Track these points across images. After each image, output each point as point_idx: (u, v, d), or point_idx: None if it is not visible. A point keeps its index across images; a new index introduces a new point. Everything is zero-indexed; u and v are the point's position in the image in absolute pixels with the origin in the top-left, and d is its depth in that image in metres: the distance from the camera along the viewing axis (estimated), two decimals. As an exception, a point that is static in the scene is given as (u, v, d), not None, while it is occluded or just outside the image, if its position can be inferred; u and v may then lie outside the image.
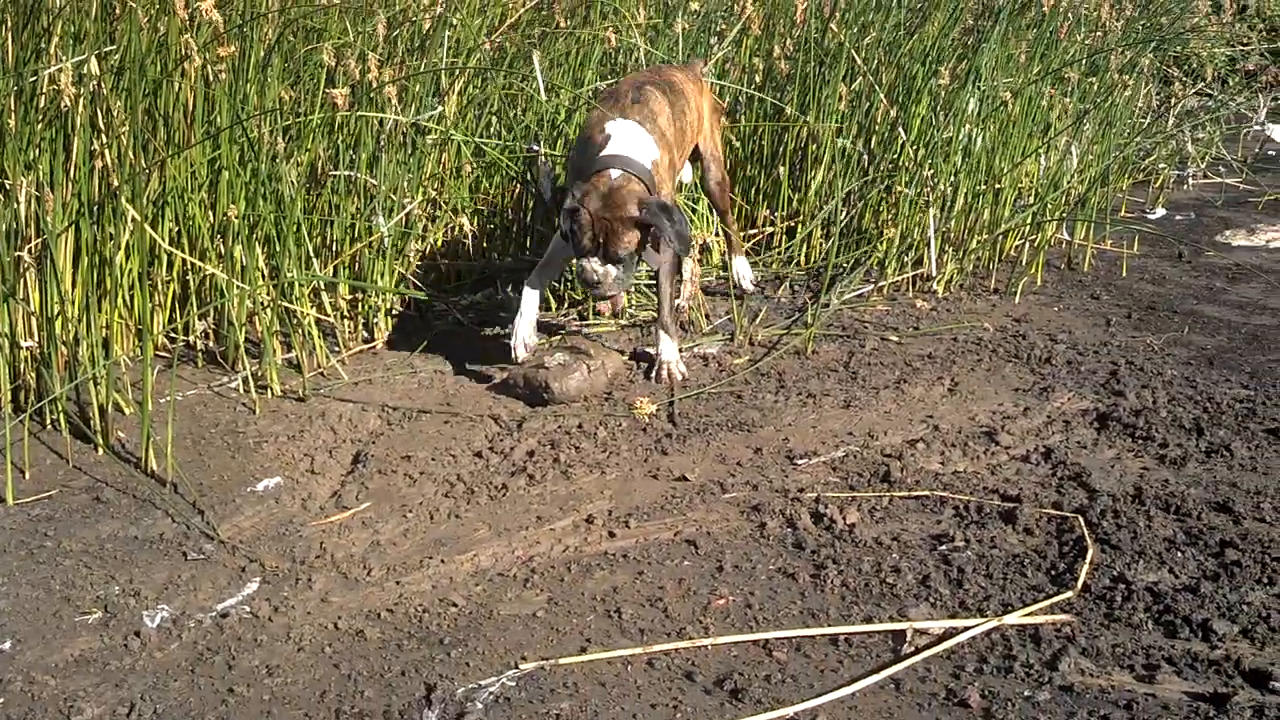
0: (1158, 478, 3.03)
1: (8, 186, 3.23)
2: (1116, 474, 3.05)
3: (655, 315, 3.80)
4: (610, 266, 3.44)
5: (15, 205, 3.24)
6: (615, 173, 3.42)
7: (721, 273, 4.57)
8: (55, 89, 3.25)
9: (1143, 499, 2.91)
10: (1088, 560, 2.61)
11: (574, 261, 3.54)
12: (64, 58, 3.23)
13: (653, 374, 3.68)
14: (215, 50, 3.38)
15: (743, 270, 4.38)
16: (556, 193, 4.23)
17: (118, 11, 3.43)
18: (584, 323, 4.15)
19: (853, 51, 4.62)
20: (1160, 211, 5.80)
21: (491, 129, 4.41)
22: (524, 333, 3.61)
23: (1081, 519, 2.79)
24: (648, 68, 4.28)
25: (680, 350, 3.76)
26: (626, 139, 3.51)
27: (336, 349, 3.80)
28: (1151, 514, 2.83)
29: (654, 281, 3.88)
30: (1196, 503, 2.88)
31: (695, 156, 4.13)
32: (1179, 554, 2.65)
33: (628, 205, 3.39)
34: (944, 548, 2.69)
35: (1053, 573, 2.60)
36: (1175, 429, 3.31)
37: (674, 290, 3.76)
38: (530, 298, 3.65)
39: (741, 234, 4.81)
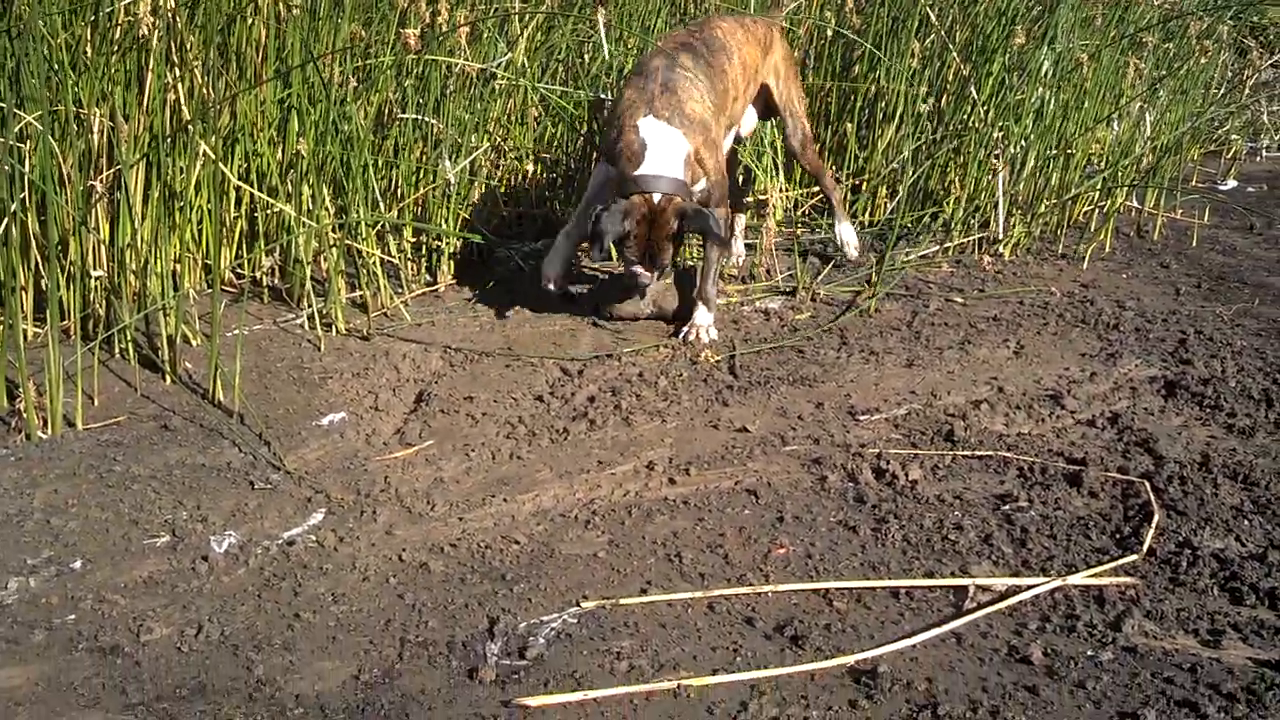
0: (1225, 446, 2.99)
1: (82, 117, 3.26)
2: (1184, 441, 3.02)
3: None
4: (656, 270, 3.61)
5: (89, 135, 3.27)
6: (657, 196, 3.48)
7: (808, 232, 4.54)
8: (130, 20, 3.27)
9: (1210, 467, 2.87)
10: (1153, 525, 2.59)
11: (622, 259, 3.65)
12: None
13: (681, 335, 3.66)
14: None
15: (847, 237, 4.28)
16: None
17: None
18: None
19: (927, 8, 4.56)
20: (1232, 183, 5.71)
21: (558, 76, 4.40)
22: (549, 270, 3.74)
23: (1148, 484, 2.76)
24: (693, 22, 4.19)
25: (721, 310, 3.78)
26: (660, 150, 3.51)
27: (400, 290, 3.82)
28: (1219, 482, 2.80)
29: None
30: (1265, 472, 2.84)
31: (770, 111, 4.09)
32: (1246, 522, 2.62)
33: (670, 223, 3.49)
34: (1007, 507, 2.68)
35: (1117, 536, 2.57)
36: (1244, 399, 3.27)
37: (719, 262, 3.77)
38: (562, 239, 3.76)
39: (805, 192, 4.77)
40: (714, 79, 3.70)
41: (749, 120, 4.11)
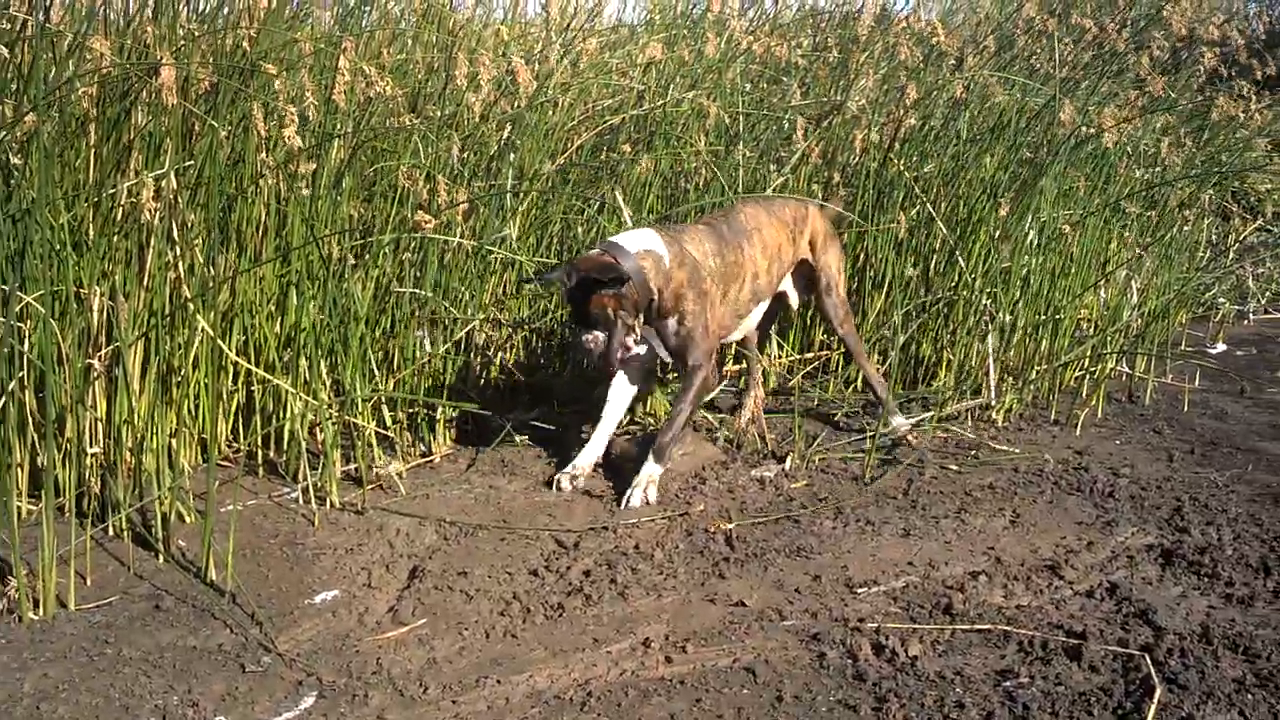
0: (1225, 617, 2.97)
1: (82, 295, 3.30)
2: (1183, 612, 2.99)
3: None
4: (596, 331, 3.65)
5: (89, 314, 3.32)
6: (595, 251, 3.68)
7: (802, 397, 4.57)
8: (133, 202, 3.34)
9: (1210, 638, 2.84)
10: (1155, 700, 2.55)
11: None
12: (144, 172, 3.32)
13: (624, 499, 3.67)
14: (291, 168, 3.47)
15: (898, 424, 4.27)
16: None
17: (196, 129, 3.54)
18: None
19: (910, 181, 4.67)
20: (1221, 347, 5.77)
21: (552, 249, 4.48)
22: (569, 473, 3.80)
23: (1148, 657, 2.73)
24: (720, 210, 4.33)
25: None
26: (633, 235, 3.74)
27: (395, 462, 3.83)
28: (1219, 654, 2.76)
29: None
30: (1266, 644, 2.81)
31: (811, 286, 4.29)
32: (1249, 696, 2.59)
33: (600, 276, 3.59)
34: (1008, 684, 2.64)
35: (1120, 712, 2.54)
36: (1242, 567, 3.25)
37: (688, 411, 3.80)
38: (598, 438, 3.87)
39: (799, 358, 4.82)
40: (725, 250, 3.87)
41: (792, 296, 4.31)
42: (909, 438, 4.21)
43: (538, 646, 2.79)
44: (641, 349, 3.77)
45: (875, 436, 4.03)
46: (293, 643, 2.78)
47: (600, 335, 3.63)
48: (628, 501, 3.63)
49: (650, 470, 3.70)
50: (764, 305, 4.16)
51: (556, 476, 3.79)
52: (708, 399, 4.24)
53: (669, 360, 3.92)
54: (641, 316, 3.71)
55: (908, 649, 2.77)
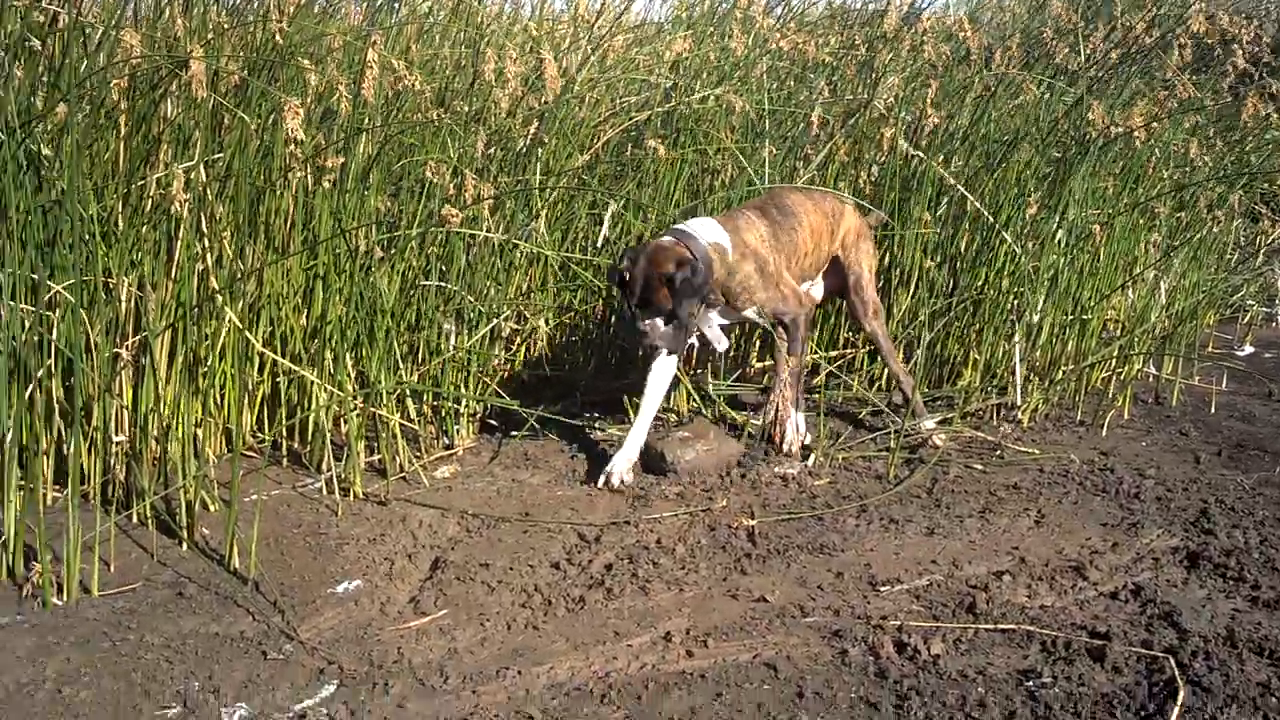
0: (1250, 620, 2.94)
1: (111, 285, 3.32)
2: (1208, 614, 2.97)
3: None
4: (653, 318, 3.72)
5: (117, 303, 3.33)
6: (667, 238, 3.77)
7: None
8: (162, 193, 3.35)
9: (1235, 641, 2.82)
10: (1179, 702, 2.53)
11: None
12: (173, 164, 3.34)
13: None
14: (320, 161, 3.48)
15: (925, 426, 4.27)
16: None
17: (226, 122, 3.55)
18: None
19: (941, 176, 4.65)
20: (1249, 349, 5.72)
21: (577, 244, 4.48)
22: (620, 468, 3.80)
23: (1172, 659, 2.71)
24: (766, 194, 4.35)
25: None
26: (700, 223, 3.87)
27: (419, 454, 3.83)
28: (1244, 657, 2.74)
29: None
30: (1292, 648, 2.79)
31: (841, 284, 4.33)
32: (1273, 700, 2.56)
33: (667, 264, 3.67)
34: (1031, 684, 2.62)
35: (1143, 714, 2.52)
36: (1268, 570, 3.22)
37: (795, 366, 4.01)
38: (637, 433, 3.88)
39: (824, 356, 4.80)
40: (779, 231, 3.99)
41: (816, 290, 4.32)
42: (935, 438, 4.19)
43: (558, 638, 2.79)
44: (693, 337, 3.87)
45: (899, 435, 4.02)
46: (314, 631, 2.79)
47: (659, 323, 3.70)
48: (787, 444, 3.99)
49: (797, 417, 4.04)
50: (810, 286, 4.27)
51: (607, 469, 3.79)
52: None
53: (718, 347, 3.97)
54: (702, 304, 3.79)
55: (930, 647, 2.75)
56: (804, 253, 4.10)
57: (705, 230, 3.81)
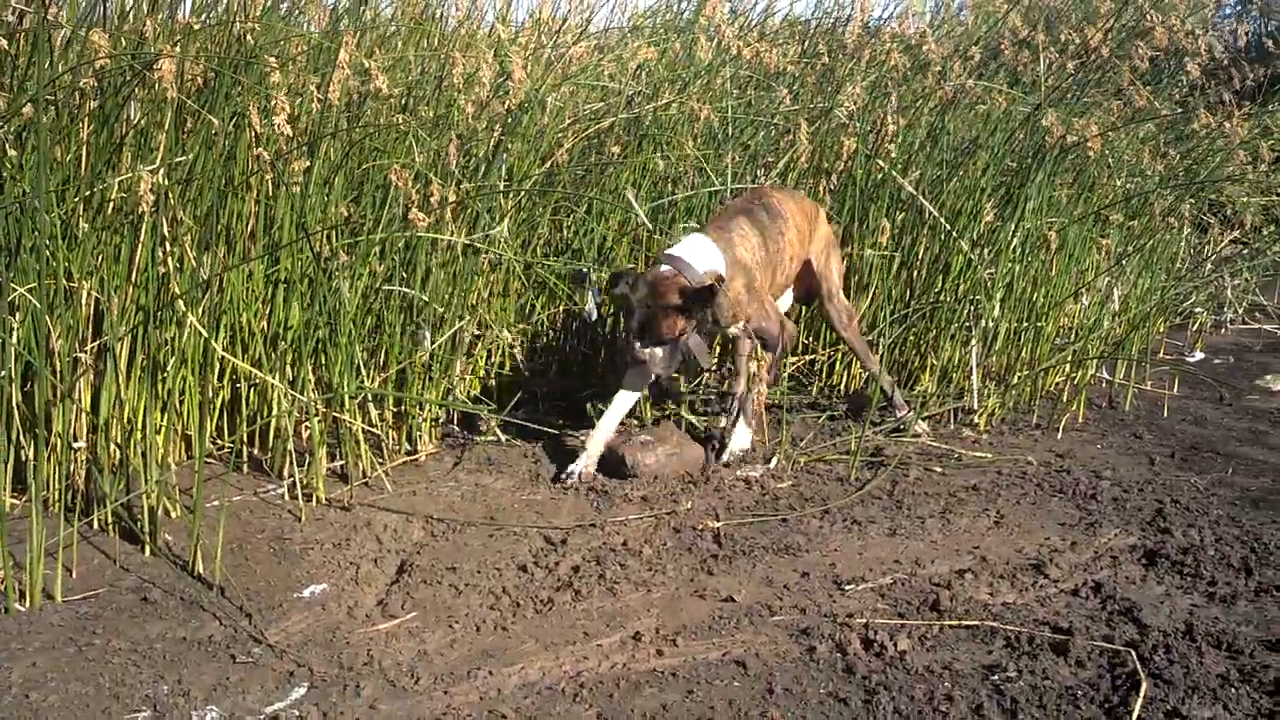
0: (1208, 614, 3.00)
1: (71, 288, 3.29)
2: (1166, 610, 3.02)
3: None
4: (653, 346, 3.77)
5: (78, 307, 3.30)
6: (665, 268, 3.75)
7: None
8: (123, 196, 3.33)
9: (1194, 635, 2.87)
10: (1141, 694, 2.57)
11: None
12: (137, 166, 3.31)
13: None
14: (286, 165, 3.47)
15: (915, 426, 4.33)
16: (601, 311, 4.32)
17: (189, 124, 3.53)
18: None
19: (897, 185, 4.70)
20: (1199, 354, 5.82)
21: (538, 251, 4.49)
22: (581, 469, 3.85)
23: (1134, 653, 2.75)
24: (750, 192, 4.36)
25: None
26: (694, 245, 3.83)
27: (381, 460, 3.82)
28: (1203, 650, 2.79)
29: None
30: (1248, 640, 2.83)
31: (811, 292, 4.35)
32: (1232, 690, 2.61)
33: (671, 297, 3.70)
34: (996, 678, 2.66)
35: (1106, 705, 2.56)
36: (1223, 567, 3.28)
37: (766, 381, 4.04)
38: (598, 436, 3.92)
39: (785, 361, 4.83)
40: (768, 240, 3.99)
41: (785, 301, 4.33)
42: (918, 427, 4.30)
43: (528, 639, 2.79)
44: (675, 360, 3.88)
45: (860, 438, 4.05)
46: (283, 635, 2.78)
47: (658, 351, 3.75)
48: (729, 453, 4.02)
49: (747, 434, 4.08)
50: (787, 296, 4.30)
51: (568, 470, 3.84)
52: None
53: (704, 364, 4.01)
54: (695, 326, 3.80)
55: (896, 644, 2.78)
56: (789, 257, 4.10)
57: (700, 255, 3.78)
